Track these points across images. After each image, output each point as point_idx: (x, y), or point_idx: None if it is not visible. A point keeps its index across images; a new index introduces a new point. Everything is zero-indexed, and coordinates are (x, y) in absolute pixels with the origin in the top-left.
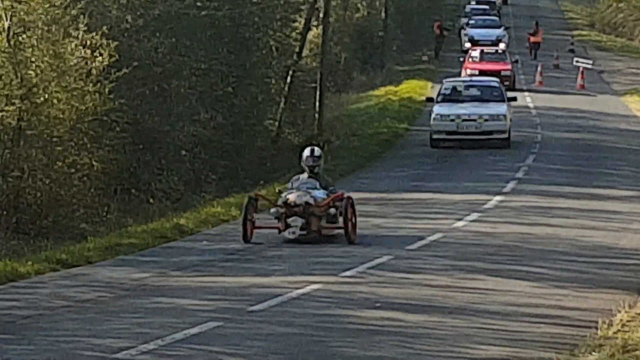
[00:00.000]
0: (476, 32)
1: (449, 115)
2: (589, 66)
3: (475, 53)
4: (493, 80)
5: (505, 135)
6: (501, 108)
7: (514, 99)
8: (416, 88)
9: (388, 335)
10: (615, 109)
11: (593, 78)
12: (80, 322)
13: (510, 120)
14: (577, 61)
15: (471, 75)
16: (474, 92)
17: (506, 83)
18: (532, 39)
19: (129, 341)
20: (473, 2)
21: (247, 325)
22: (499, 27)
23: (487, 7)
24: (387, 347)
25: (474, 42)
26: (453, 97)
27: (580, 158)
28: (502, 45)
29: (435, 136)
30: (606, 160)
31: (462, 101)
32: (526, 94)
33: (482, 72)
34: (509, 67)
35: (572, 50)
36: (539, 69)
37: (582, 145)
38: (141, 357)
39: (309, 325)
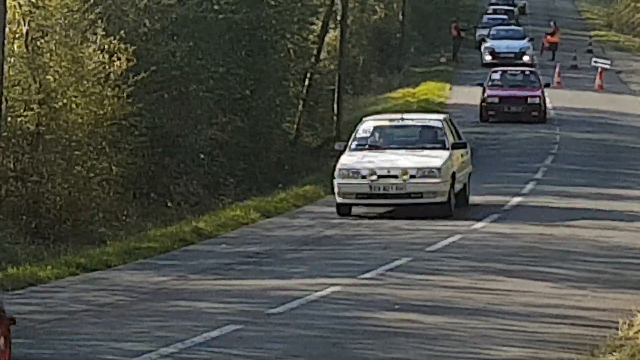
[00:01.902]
0: (498, 44)
1: (358, 170)
2: (607, 66)
3: (496, 75)
4: (434, 118)
5: (442, 199)
6: (437, 159)
7: (464, 144)
8: (434, 90)
9: (407, 337)
10: (633, 109)
11: (611, 78)
12: (100, 326)
13: (458, 173)
14: (595, 61)
15: (491, 103)
16: (403, 134)
17: (534, 114)
18: (549, 38)
19: (148, 345)
20: (490, 11)
21: (267, 328)
22: (522, 37)
23: (505, 16)
24: (406, 349)
25: (496, 55)
26: (372, 142)
27: (599, 158)
28: (526, 58)
29: (340, 200)
30: (625, 160)
31: (385, 148)
32: (545, 93)
33: (504, 100)
34: (538, 92)
35: (590, 51)
36: (557, 69)
37: (600, 146)
38: None
39: (329, 327)
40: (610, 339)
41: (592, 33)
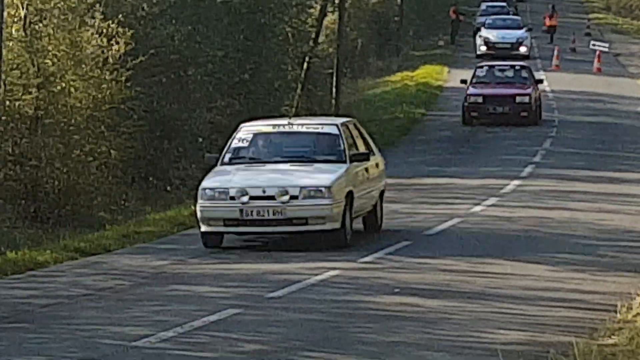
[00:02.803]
0: (493, 34)
1: (226, 190)
2: (606, 49)
3: (481, 71)
4: (329, 124)
5: (333, 225)
6: (327, 175)
7: (366, 156)
8: (432, 73)
9: (407, 321)
10: (631, 92)
11: (609, 61)
12: (99, 310)
13: (360, 192)
14: (593, 44)
15: (473, 103)
16: (289, 144)
17: (523, 115)
18: (548, 22)
19: (147, 329)
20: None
21: (266, 312)
22: (519, 27)
23: (504, 3)
24: (406, 332)
25: (491, 46)
26: (250, 153)
27: (598, 141)
28: (523, 49)
29: (204, 228)
30: (624, 143)
31: (265, 161)
32: (543, 76)
33: (488, 99)
34: (529, 90)
35: (588, 34)
36: (555, 52)
37: (599, 129)
38: (160, 344)
39: (328, 311)
40: (609, 322)
41: (590, 16)
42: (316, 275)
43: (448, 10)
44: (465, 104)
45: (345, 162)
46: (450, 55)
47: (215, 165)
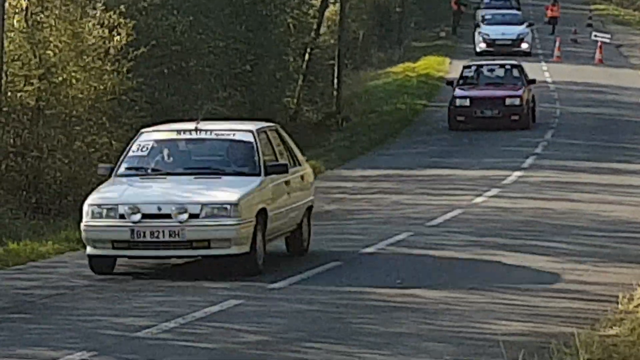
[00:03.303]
0: (493, 30)
1: (115, 207)
2: (607, 40)
3: (469, 71)
4: (243, 129)
5: (240, 249)
6: (235, 190)
7: (283, 167)
8: (434, 64)
9: (408, 312)
10: (633, 83)
11: (611, 52)
12: (101, 301)
13: (277, 210)
14: (595, 35)
15: (460, 106)
16: (195, 154)
17: (514, 119)
18: (550, 13)
19: (149, 320)
20: None
21: (268, 302)
22: (520, 22)
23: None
24: (407, 323)
25: (491, 43)
26: (149, 164)
27: (599, 132)
28: (524, 46)
29: (90, 250)
30: (625, 134)
31: (167, 173)
32: (544, 68)
33: (476, 102)
34: (520, 92)
35: (590, 25)
36: (557, 43)
37: (600, 120)
38: (162, 335)
39: (330, 302)
40: (611, 313)
41: (592, 7)
42: (318, 266)
43: (449, 1)
44: (451, 107)
45: (259, 174)
46: (452, 46)
47: (110, 176)
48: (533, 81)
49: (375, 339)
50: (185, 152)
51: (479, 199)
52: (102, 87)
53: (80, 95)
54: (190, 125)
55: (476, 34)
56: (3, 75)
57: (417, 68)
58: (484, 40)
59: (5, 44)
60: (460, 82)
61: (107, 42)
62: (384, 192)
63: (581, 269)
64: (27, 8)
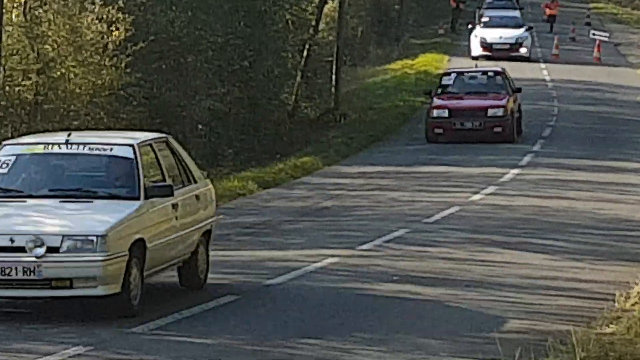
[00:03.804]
0: (490, 34)
1: None
2: (606, 39)
3: (449, 79)
4: (122, 144)
5: (109, 289)
6: (104, 219)
7: (167, 189)
8: (432, 61)
9: (405, 309)
10: (631, 82)
11: (609, 51)
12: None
13: (158, 240)
14: (593, 34)
15: (437, 117)
16: (63, 172)
17: (497, 131)
18: (548, 11)
19: (145, 315)
20: None
21: (265, 299)
22: (519, 26)
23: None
24: (403, 319)
25: (487, 47)
26: (10, 184)
27: (597, 131)
28: (523, 50)
29: None
30: (622, 132)
31: (28, 196)
32: (542, 66)
33: (455, 113)
34: (504, 101)
35: (588, 23)
36: (555, 41)
37: (598, 118)
38: (158, 331)
39: (326, 298)
40: (607, 311)
41: (590, 5)
42: (315, 262)
43: None
44: (428, 119)
45: (138, 198)
46: (451, 43)
47: None
48: (519, 90)
49: (371, 335)
50: (53, 170)
51: (476, 197)
52: (100, 82)
53: (78, 90)
54: (61, 138)
55: (472, 37)
56: (1, 69)
57: (416, 65)
58: (481, 44)
59: (4, 38)
60: (439, 91)
61: (105, 37)
62: (381, 188)
63: (578, 267)
64: (25, 2)
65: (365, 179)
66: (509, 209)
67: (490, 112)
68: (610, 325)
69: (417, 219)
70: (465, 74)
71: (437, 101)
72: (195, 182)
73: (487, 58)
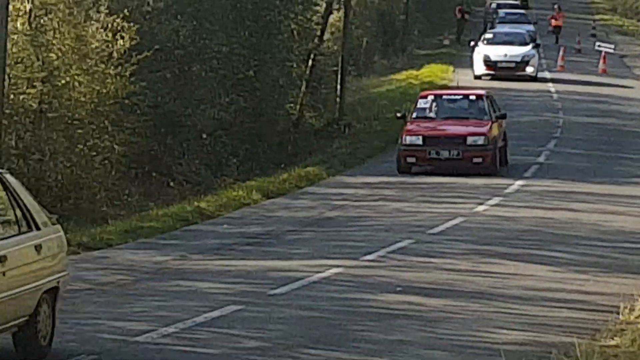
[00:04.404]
0: (494, 51)
1: None
2: (611, 50)
3: (425, 102)
4: None
5: None
6: None
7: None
8: (437, 72)
9: (409, 320)
10: (637, 94)
11: (615, 62)
12: (101, 305)
13: None
14: (599, 45)
15: (410, 145)
16: None
17: (477, 161)
18: (554, 22)
19: (149, 324)
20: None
21: (268, 308)
22: (526, 42)
23: (519, 12)
24: (408, 330)
25: (491, 66)
26: None
27: (602, 143)
28: (529, 69)
29: None
30: (628, 145)
31: None
32: (548, 77)
33: (430, 141)
34: (485, 128)
35: (594, 35)
36: (560, 53)
37: (603, 130)
38: (162, 340)
39: (330, 309)
40: (612, 324)
41: (596, 17)
42: (318, 272)
43: (453, 9)
44: (400, 147)
45: None
46: (456, 54)
47: None
48: (504, 116)
49: (375, 346)
50: None
51: (480, 208)
52: (104, 90)
53: (82, 99)
54: None
55: (475, 54)
56: (6, 77)
57: (421, 76)
58: (484, 62)
59: (9, 46)
60: (414, 115)
61: (110, 45)
62: (385, 199)
63: (582, 279)
64: (31, 11)
65: (369, 190)
66: (513, 220)
67: (470, 140)
68: (615, 338)
69: (421, 229)
70: (444, 97)
71: (410, 126)
72: (38, 228)
73: (491, 77)
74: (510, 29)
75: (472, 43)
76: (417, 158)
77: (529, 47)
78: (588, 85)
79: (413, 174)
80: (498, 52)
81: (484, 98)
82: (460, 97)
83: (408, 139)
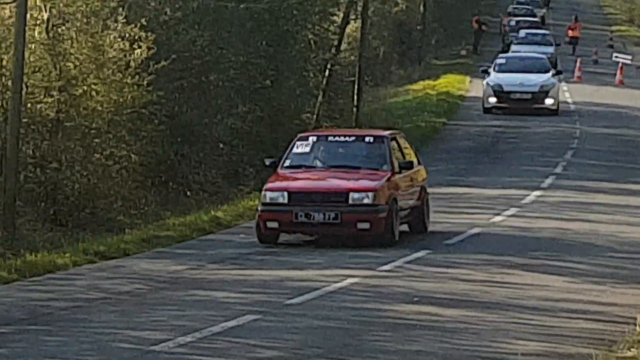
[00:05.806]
0: (507, 80)
1: None
2: (628, 61)
3: (304, 144)
4: None
5: None
6: None
7: None
8: (454, 82)
9: (425, 330)
10: None
11: (632, 73)
12: (117, 314)
13: None
14: (616, 56)
15: (270, 204)
16: None
17: (363, 226)
18: (571, 33)
19: (166, 334)
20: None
21: (285, 318)
22: (546, 70)
23: (535, 18)
24: (424, 341)
25: (503, 97)
26: None
27: (619, 153)
28: (549, 102)
29: None
30: None
31: None
32: (565, 88)
33: (300, 199)
34: (375, 183)
35: (611, 46)
36: (577, 64)
37: (620, 141)
38: (178, 349)
39: (347, 319)
40: (629, 335)
41: (613, 28)
42: (335, 282)
43: (470, 20)
44: (260, 207)
45: None
46: (472, 64)
47: None
48: (410, 164)
49: (391, 356)
50: None
51: (497, 218)
52: (122, 100)
53: (99, 108)
54: None
55: (485, 83)
56: (23, 86)
57: (437, 86)
58: (495, 93)
59: (26, 55)
60: (287, 163)
61: (127, 55)
62: None
63: (599, 290)
64: (48, 20)
65: None
66: (530, 231)
67: (353, 197)
68: (632, 349)
69: (438, 240)
70: (330, 138)
71: (274, 179)
72: None
73: (503, 111)
74: (527, 52)
75: (482, 69)
76: (280, 223)
77: (549, 74)
78: (605, 96)
79: (429, 186)
80: (512, 81)
81: (385, 140)
82: (353, 138)
83: (268, 196)
